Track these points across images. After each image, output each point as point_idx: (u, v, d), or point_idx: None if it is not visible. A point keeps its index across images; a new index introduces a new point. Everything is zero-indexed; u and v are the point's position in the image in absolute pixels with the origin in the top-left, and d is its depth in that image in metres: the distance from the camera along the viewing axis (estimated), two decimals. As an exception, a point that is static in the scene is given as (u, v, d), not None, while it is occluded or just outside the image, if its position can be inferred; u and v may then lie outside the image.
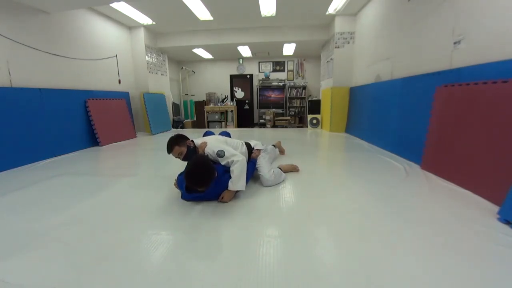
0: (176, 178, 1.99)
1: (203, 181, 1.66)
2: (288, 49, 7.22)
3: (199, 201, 1.88)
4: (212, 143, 2.11)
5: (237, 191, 1.94)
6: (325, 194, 2.07)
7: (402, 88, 3.33)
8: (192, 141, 2.16)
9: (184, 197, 1.90)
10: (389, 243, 1.34)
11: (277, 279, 1.08)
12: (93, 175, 2.79)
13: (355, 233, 1.46)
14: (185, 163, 1.88)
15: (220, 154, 1.96)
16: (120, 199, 2.05)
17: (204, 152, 2.04)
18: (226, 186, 1.87)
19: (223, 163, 1.97)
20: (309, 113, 6.67)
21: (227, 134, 2.95)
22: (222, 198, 1.85)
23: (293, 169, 2.62)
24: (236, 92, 8.83)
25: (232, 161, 1.93)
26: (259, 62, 8.74)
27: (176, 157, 2.09)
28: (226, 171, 1.95)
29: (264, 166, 2.26)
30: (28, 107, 3.34)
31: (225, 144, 2.17)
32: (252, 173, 2.26)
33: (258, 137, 5.42)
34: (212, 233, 1.48)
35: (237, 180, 1.86)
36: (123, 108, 5.21)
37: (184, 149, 2.06)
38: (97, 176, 2.77)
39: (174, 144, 2.05)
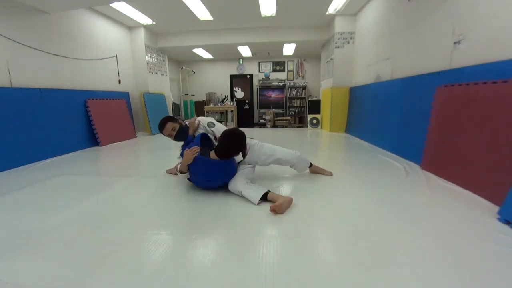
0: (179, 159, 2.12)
1: (234, 150, 1.92)
2: (288, 49, 7.22)
3: (204, 190, 2.02)
4: (203, 117, 2.34)
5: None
6: (325, 194, 2.07)
7: (402, 88, 3.33)
8: (184, 121, 2.33)
9: (194, 179, 2.03)
10: (389, 243, 1.34)
11: (277, 279, 1.08)
12: (93, 175, 2.79)
13: (355, 233, 1.45)
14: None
15: (211, 125, 2.21)
16: (120, 199, 2.05)
17: (195, 125, 2.23)
18: (230, 174, 2.01)
19: (217, 135, 2.15)
20: (309, 113, 6.67)
21: None
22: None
23: (325, 172, 2.51)
24: (236, 92, 8.83)
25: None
26: (259, 62, 8.74)
27: (167, 135, 2.21)
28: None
29: (238, 176, 2.05)
30: (28, 107, 3.34)
31: (214, 120, 2.36)
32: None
33: (258, 137, 5.42)
34: (212, 233, 1.48)
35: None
36: (123, 108, 5.21)
37: (176, 125, 2.21)
38: (97, 176, 2.77)
39: (167, 120, 2.20)
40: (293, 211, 1.75)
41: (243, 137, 1.95)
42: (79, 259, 1.24)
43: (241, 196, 1.92)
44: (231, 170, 2.01)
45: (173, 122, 2.21)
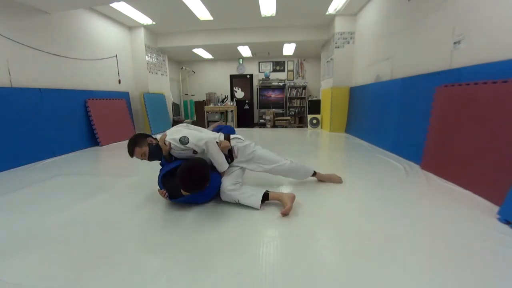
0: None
1: (197, 186, 1.59)
2: (288, 49, 7.22)
3: (190, 203, 1.84)
4: (172, 131, 1.93)
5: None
6: (324, 194, 2.07)
7: (402, 88, 3.33)
8: (155, 138, 1.96)
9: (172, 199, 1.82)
10: (388, 243, 1.34)
11: (277, 279, 1.08)
12: (93, 175, 2.79)
13: (355, 233, 1.45)
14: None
15: (184, 140, 1.78)
16: (120, 199, 2.05)
17: (166, 145, 1.84)
18: (214, 187, 1.81)
19: (197, 149, 1.83)
20: (309, 113, 6.67)
21: (230, 130, 2.42)
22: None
23: (333, 179, 2.27)
24: (236, 92, 8.83)
25: (205, 143, 1.79)
26: (259, 62, 8.74)
27: (141, 159, 1.90)
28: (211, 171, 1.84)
29: (226, 177, 1.90)
30: (28, 107, 3.34)
31: (186, 129, 1.97)
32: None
33: (258, 137, 5.42)
34: (212, 233, 1.48)
35: (219, 163, 1.83)
36: (123, 108, 5.21)
37: (145, 149, 1.86)
38: (97, 176, 2.77)
39: (133, 146, 1.86)
40: (293, 211, 1.75)
41: (203, 169, 1.60)
42: (79, 259, 1.24)
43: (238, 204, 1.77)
44: (212, 189, 1.80)
45: (140, 147, 1.85)
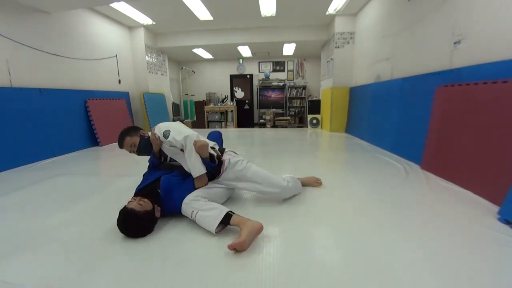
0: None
1: (131, 234, 1.43)
2: (288, 49, 7.22)
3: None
4: (161, 124, 1.81)
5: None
6: (324, 194, 2.06)
7: (402, 88, 3.33)
8: (146, 132, 1.89)
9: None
10: (389, 243, 1.34)
11: (277, 279, 1.08)
12: (93, 175, 2.79)
13: (355, 233, 1.45)
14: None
15: (165, 134, 1.71)
16: (120, 199, 2.04)
17: (158, 143, 1.77)
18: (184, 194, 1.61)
19: (178, 144, 1.71)
20: (309, 113, 6.68)
21: (218, 135, 2.31)
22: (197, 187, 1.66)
23: (313, 183, 2.16)
24: (236, 92, 8.84)
25: (185, 137, 1.66)
26: (259, 62, 8.74)
27: (130, 151, 1.84)
28: (184, 179, 1.74)
29: (200, 190, 1.67)
30: (28, 107, 3.34)
31: (175, 124, 1.85)
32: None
33: (258, 137, 5.42)
34: (211, 233, 1.47)
35: (191, 164, 1.66)
36: (123, 108, 5.21)
37: (136, 139, 1.79)
38: (97, 176, 2.77)
39: (125, 135, 1.80)
40: (293, 211, 1.75)
41: (141, 220, 1.40)
42: (79, 259, 1.24)
43: (192, 220, 1.49)
44: (179, 198, 1.58)
45: (131, 137, 1.79)
